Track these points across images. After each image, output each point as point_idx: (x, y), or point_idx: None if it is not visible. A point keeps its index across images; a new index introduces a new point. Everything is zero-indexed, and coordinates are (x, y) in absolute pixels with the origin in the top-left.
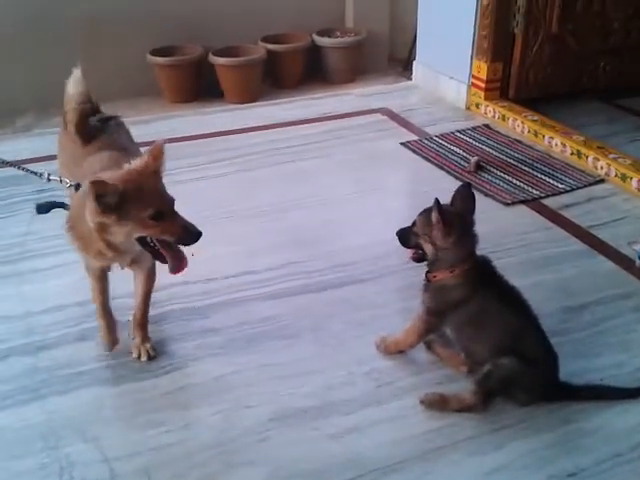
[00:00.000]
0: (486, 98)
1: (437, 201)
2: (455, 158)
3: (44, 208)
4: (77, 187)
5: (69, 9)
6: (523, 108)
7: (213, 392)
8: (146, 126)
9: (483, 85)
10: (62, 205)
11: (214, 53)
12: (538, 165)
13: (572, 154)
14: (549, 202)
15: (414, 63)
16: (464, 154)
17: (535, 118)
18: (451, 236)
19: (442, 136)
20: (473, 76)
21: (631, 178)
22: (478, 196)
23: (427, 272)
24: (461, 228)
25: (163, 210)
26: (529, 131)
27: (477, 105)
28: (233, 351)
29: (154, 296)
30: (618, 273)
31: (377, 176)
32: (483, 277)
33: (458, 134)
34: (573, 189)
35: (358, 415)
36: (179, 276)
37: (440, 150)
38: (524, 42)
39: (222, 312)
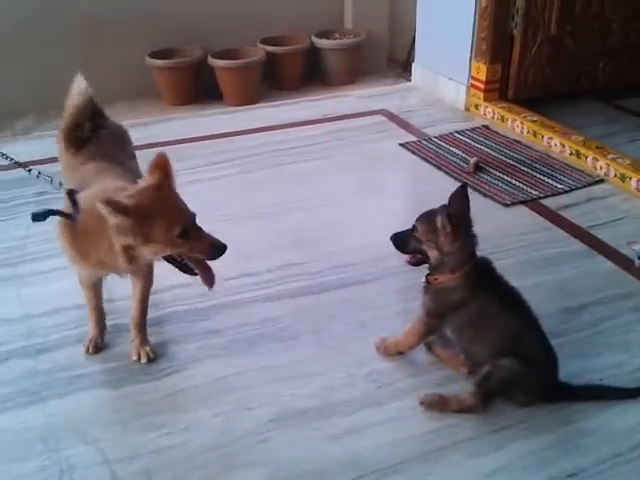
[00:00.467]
0: (485, 99)
1: (445, 207)
2: (454, 159)
3: (41, 216)
4: (70, 194)
5: (69, 11)
6: (522, 109)
7: (214, 394)
8: (145, 128)
9: (482, 86)
10: (60, 213)
11: (213, 55)
12: (537, 165)
13: (571, 154)
14: (548, 202)
15: (413, 64)
16: (463, 155)
17: (534, 119)
18: (458, 241)
19: (441, 137)
20: (472, 77)
21: (630, 178)
22: (477, 197)
23: (428, 274)
24: (465, 231)
25: (189, 227)
26: (528, 132)
27: (476, 106)
28: (234, 353)
29: (155, 298)
30: (617, 273)
31: (377, 177)
32: (483, 278)
33: (457, 135)
34: (572, 189)
35: (358, 416)
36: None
37: (439, 151)
38: (523, 43)
39: (223, 314)
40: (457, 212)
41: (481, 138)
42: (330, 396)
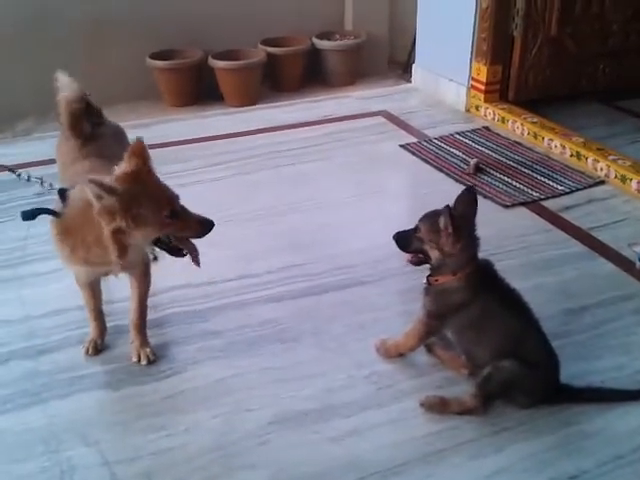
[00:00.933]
0: (486, 100)
1: (448, 208)
2: (454, 160)
3: (29, 214)
4: (61, 193)
5: (69, 12)
6: (523, 110)
7: (214, 395)
8: (146, 129)
9: (483, 87)
10: (48, 211)
11: (214, 56)
12: (538, 167)
13: (572, 156)
14: (549, 204)
15: (413, 66)
16: (463, 156)
17: (535, 120)
18: (459, 242)
19: (441, 138)
20: (473, 78)
21: (631, 179)
22: (477, 198)
23: (429, 276)
24: (467, 233)
25: (177, 207)
26: (529, 133)
27: (477, 107)
28: (234, 354)
29: (155, 299)
30: (618, 275)
31: (377, 178)
32: (484, 280)
33: (457, 136)
34: (573, 191)
35: (358, 418)
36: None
37: (439, 152)
38: (523, 45)
39: (222, 315)
40: (461, 214)
41: (481, 139)
42: (330, 398)
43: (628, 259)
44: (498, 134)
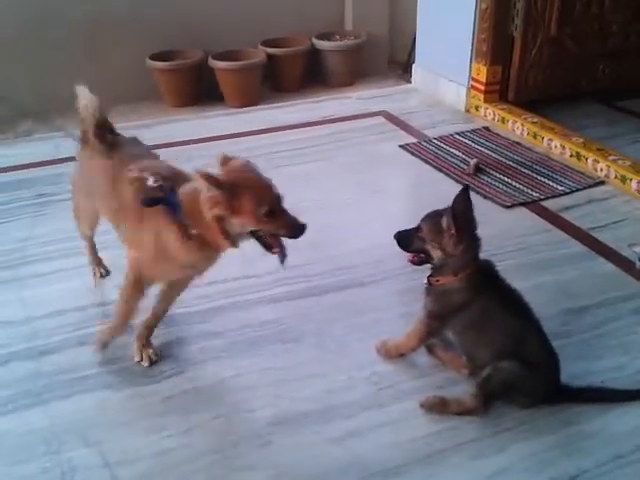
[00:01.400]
0: (485, 101)
1: (451, 209)
2: (454, 160)
3: (149, 201)
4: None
5: (70, 14)
6: (522, 110)
7: (214, 396)
8: (148, 130)
9: (482, 88)
10: (164, 202)
11: (214, 57)
12: (537, 167)
13: (571, 156)
14: (549, 204)
15: (413, 66)
16: (463, 156)
17: (534, 120)
18: (462, 243)
19: (441, 139)
20: (472, 79)
21: (631, 180)
22: (477, 198)
23: (429, 276)
24: (470, 234)
25: (275, 207)
26: (528, 133)
27: (476, 108)
28: (234, 355)
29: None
30: (618, 275)
31: (377, 179)
32: (485, 281)
33: (457, 136)
34: (573, 191)
35: (359, 418)
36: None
37: (439, 153)
38: (523, 45)
39: (223, 316)
40: (463, 214)
41: (481, 140)
42: (331, 398)
43: (628, 259)
44: (498, 134)
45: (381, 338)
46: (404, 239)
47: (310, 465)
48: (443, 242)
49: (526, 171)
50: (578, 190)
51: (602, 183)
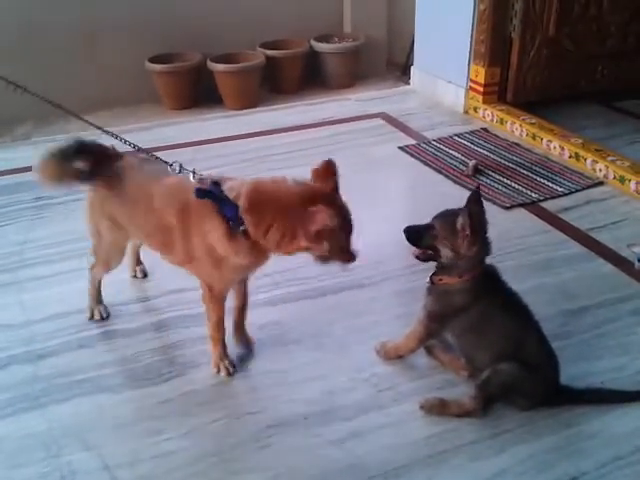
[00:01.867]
0: (484, 102)
1: (467, 209)
2: (453, 162)
3: (201, 193)
4: (217, 186)
5: (68, 17)
6: (521, 111)
7: (213, 399)
8: (147, 133)
9: (481, 89)
10: (216, 197)
11: (212, 59)
12: (536, 168)
13: (570, 157)
14: (548, 205)
15: (412, 68)
16: (462, 158)
17: (533, 121)
18: (475, 245)
19: (440, 140)
20: (471, 80)
21: (630, 180)
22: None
23: (433, 274)
24: (482, 237)
25: (345, 246)
26: (527, 134)
27: (475, 109)
28: (233, 357)
29: (153, 303)
30: (617, 276)
31: (376, 180)
32: (487, 284)
33: (456, 138)
34: (572, 192)
35: (359, 420)
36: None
37: (438, 154)
38: (521, 46)
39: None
40: (477, 216)
41: (480, 141)
42: (330, 401)
43: (627, 260)
44: (497, 135)
45: (380, 339)
46: (414, 234)
47: (310, 467)
48: (457, 242)
49: (525, 172)
50: (577, 191)
51: (601, 184)
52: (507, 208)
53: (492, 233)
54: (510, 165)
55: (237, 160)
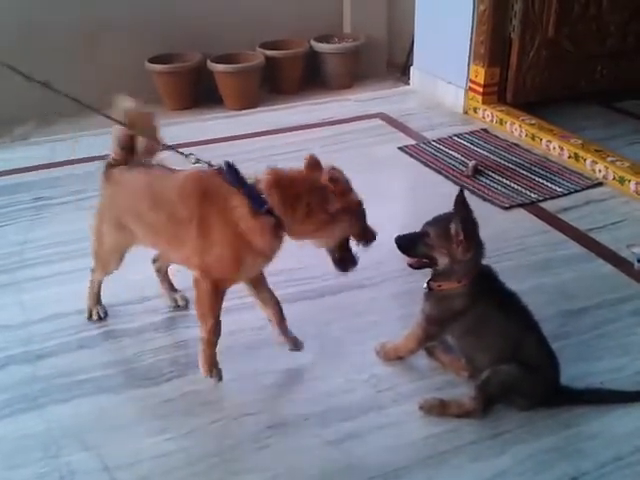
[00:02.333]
0: (484, 102)
1: (459, 215)
2: (453, 162)
3: (233, 177)
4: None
5: (68, 17)
6: (521, 112)
7: (213, 399)
8: None
9: (481, 89)
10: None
11: (213, 60)
12: (536, 169)
13: (570, 157)
14: (547, 205)
15: (412, 68)
16: (462, 158)
17: (533, 122)
18: (471, 250)
19: (440, 140)
20: (471, 81)
21: (629, 181)
22: (476, 200)
23: (430, 280)
24: (476, 240)
25: (366, 224)
26: (527, 135)
27: (475, 109)
28: (233, 358)
29: (152, 303)
30: (617, 276)
31: (375, 181)
32: (485, 286)
33: (456, 138)
34: (571, 192)
35: (358, 421)
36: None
37: (438, 154)
38: (521, 47)
39: (222, 319)
40: (468, 220)
41: (480, 141)
42: (329, 401)
43: (627, 260)
44: (496, 136)
45: (380, 340)
46: (407, 243)
47: (309, 468)
48: (452, 249)
49: (524, 172)
50: (576, 191)
51: (600, 184)
52: (506, 208)
53: (491, 233)
54: (510, 165)
55: (237, 160)
